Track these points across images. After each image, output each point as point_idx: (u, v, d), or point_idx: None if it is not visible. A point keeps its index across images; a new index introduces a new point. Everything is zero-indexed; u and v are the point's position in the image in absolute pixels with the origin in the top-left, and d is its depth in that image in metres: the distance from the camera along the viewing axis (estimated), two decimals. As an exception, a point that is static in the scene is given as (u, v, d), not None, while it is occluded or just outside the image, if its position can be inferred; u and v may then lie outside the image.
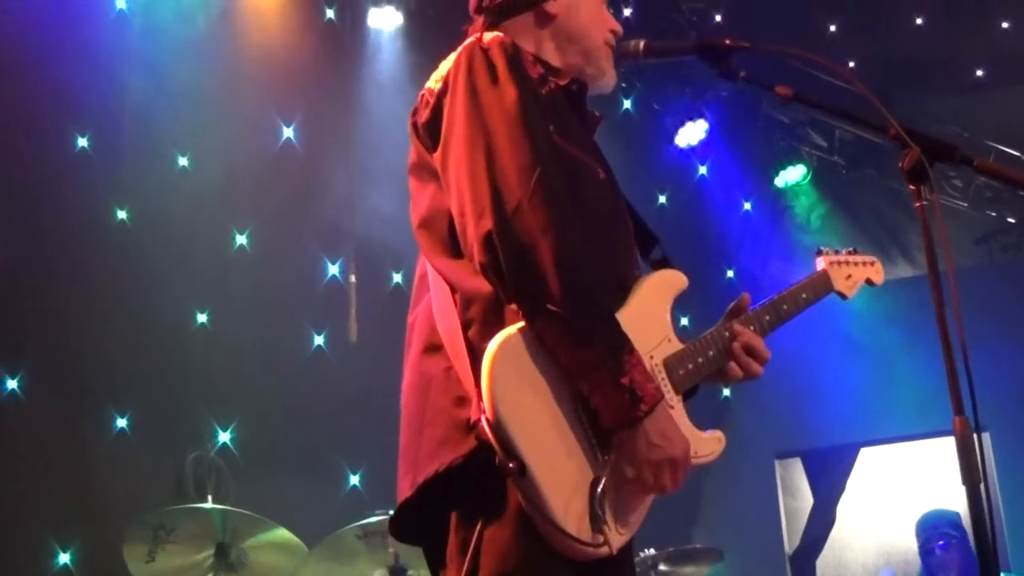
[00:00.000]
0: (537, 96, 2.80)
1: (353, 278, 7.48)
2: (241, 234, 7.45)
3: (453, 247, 2.70)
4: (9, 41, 6.55)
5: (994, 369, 7.02)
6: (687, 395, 2.87)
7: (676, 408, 2.76)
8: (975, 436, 2.43)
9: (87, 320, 6.61)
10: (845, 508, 9.76)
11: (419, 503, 2.62)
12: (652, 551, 6.34)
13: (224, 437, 7.04)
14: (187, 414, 6.95)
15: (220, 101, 7.35)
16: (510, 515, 2.50)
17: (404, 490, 2.65)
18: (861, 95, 2.74)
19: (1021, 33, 9.28)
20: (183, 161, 7.28)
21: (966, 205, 10.11)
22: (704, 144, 9.70)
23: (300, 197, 7.71)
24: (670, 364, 2.81)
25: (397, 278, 7.85)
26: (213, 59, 7.41)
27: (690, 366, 2.86)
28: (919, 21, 9.27)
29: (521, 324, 2.53)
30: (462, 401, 2.56)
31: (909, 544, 7.60)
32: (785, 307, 3.19)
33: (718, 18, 9.12)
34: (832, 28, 9.30)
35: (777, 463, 9.62)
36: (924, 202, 2.62)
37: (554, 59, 3.04)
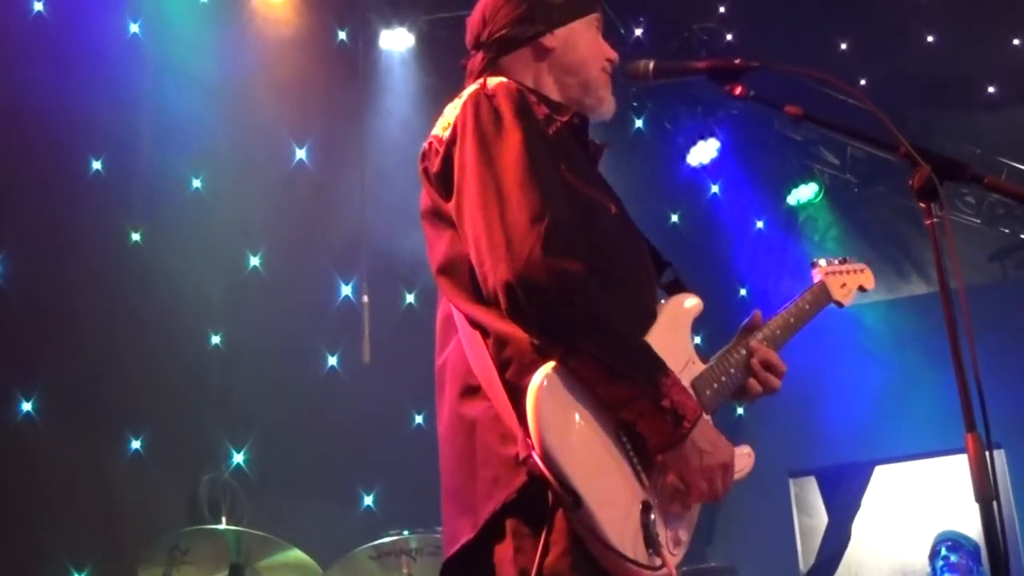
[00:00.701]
0: (545, 137, 2.82)
1: (366, 298, 7.49)
2: (254, 255, 7.47)
3: (477, 291, 2.72)
4: (24, 66, 6.59)
5: (1007, 386, 7.01)
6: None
7: None
8: (988, 453, 2.43)
9: (101, 342, 6.62)
10: (860, 526, 9.72)
11: (478, 544, 2.64)
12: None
13: (238, 458, 7.04)
14: (201, 435, 6.96)
15: (233, 123, 7.38)
16: (567, 547, 2.51)
17: (464, 532, 2.67)
18: (872, 114, 2.75)
19: (1033, 50, 9.29)
20: (197, 183, 7.30)
21: (979, 222, 10.09)
22: (716, 163, 9.71)
23: (313, 218, 7.73)
24: (697, 386, 2.86)
25: (410, 298, 7.87)
26: (226, 81, 7.44)
27: (715, 385, 2.93)
28: (931, 39, 9.28)
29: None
30: (506, 439, 2.59)
31: (924, 563, 7.58)
32: (792, 320, 3.29)
33: (729, 38, 9.14)
34: (843, 46, 9.30)
35: (791, 481, 9.59)
36: (935, 220, 2.63)
37: (553, 92, 3.06)
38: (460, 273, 2.79)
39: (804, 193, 10.10)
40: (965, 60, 9.38)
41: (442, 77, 7.65)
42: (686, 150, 9.67)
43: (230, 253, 7.40)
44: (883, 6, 9.22)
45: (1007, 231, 10.25)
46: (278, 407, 7.16)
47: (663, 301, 2.99)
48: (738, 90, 2.99)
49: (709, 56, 7.66)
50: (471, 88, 2.89)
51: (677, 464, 2.62)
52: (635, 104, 9.46)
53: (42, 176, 6.60)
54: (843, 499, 9.74)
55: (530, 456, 2.49)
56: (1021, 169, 9.53)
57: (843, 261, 3.62)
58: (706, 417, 2.72)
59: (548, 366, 2.55)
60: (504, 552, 2.61)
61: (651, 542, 2.54)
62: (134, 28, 7.20)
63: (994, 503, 2.40)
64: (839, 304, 3.55)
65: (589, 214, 2.81)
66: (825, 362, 8.75)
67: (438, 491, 2.81)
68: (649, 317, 2.87)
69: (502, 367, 2.64)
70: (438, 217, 2.88)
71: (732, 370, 3.00)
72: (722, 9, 9.14)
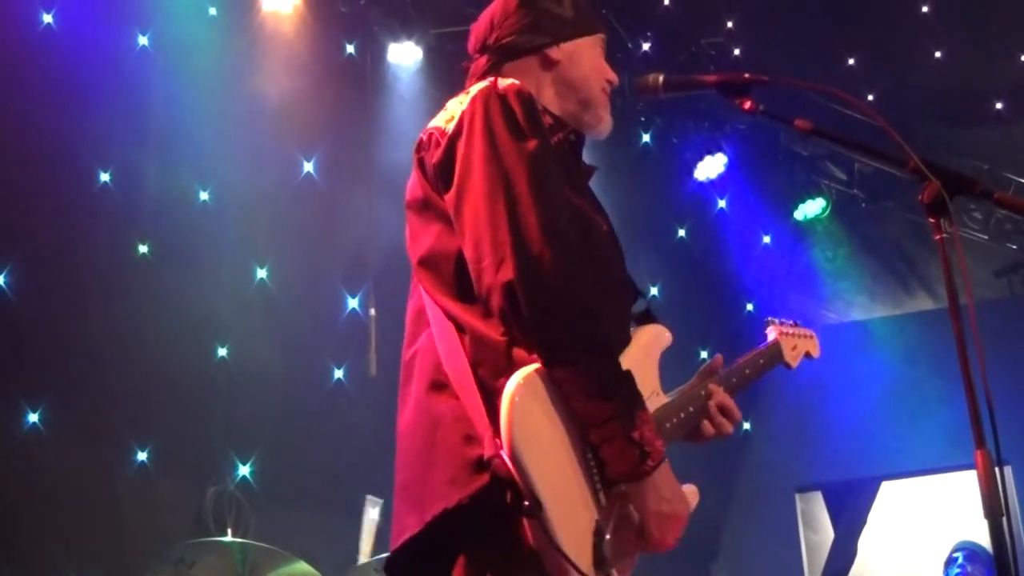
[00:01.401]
0: (551, 147, 2.82)
1: (373, 312, 7.49)
2: (261, 268, 7.48)
3: (459, 287, 2.72)
4: (33, 78, 6.61)
5: (1016, 402, 6.98)
6: None
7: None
8: (997, 470, 2.43)
9: (108, 353, 6.63)
10: (866, 542, 9.71)
11: (423, 543, 2.62)
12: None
13: (244, 470, 7.04)
14: (207, 447, 6.96)
15: (241, 136, 7.39)
16: (519, 555, 2.50)
17: (410, 527, 2.65)
18: (880, 128, 2.75)
19: (1041, 66, 9.30)
20: (204, 196, 7.31)
21: (986, 238, 10.10)
22: (723, 178, 9.71)
23: (320, 231, 7.74)
24: (658, 418, 2.83)
25: (417, 312, 7.86)
26: (234, 94, 7.46)
27: (675, 420, 2.92)
28: (939, 54, 9.29)
29: (538, 365, 2.55)
30: (471, 440, 2.57)
31: (931, 580, 7.57)
32: (748, 372, 3.30)
33: (736, 52, 9.15)
34: (851, 61, 9.31)
35: (798, 496, 9.57)
36: (944, 235, 2.63)
37: (553, 105, 3.06)
38: (444, 268, 2.78)
39: (811, 208, 10.10)
40: (973, 76, 9.39)
41: (450, 90, 7.63)
42: (693, 165, 9.67)
43: (237, 266, 7.40)
44: (891, 21, 9.22)
45: (1014, 247, 10.26)
46: (284, 420, 7.16)
47: (634, 329, 2.96)
48: (747, 104, 2.99)
49: (717, 71, 7.66)
50: (480, 85, 2.88)
51: (633, 498, 2.58)
52: (642, 119, 9.47)
53: (50, 188, 6.61)
54: (849, 515, 9.73)
55: (497, 455, 2.47)
56: (1028, 185, 9.55)
57: (795, 324, 3.65)
58: (667, 466, 2.65)
59: (528, 368, 2.54)
60: (452, 554, 2.60)
61: (601, 562, 2.51)
62: (143, 41, 7.21)
63: (1003, 519, 2.40)
64: (788, 366, 3.56)
65: (585, 230, 2.81)
66: (831, 377, 8.73)
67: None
68: (626, 341, 2.87)
69: (476, 365, 2.62)
70: (427, 208, 2.87)
71: (691, 408, 2.98)
72: (730, 24, 9.15)
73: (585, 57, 3.11)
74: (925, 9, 9.12)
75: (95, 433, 6.56)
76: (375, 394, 7.36)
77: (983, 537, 8.06)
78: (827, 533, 9.73)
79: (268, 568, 5.52)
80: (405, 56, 8.22)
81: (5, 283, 6.37)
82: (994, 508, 2.41)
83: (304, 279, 7.61)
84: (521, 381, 2.53)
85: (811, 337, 3.67)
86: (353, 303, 7.75)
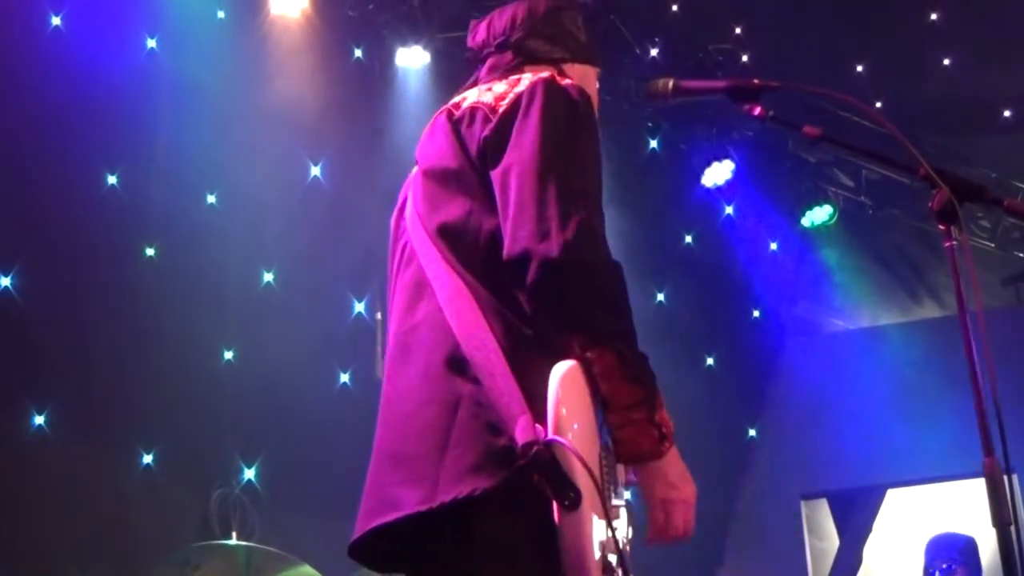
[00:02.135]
0: (599, 150, 2.86)
1: (379, 315, 7.48)
2: (268, 272, 7.48)
3: (488, 269, 2.70)
4: (41, 80, 6.62)
5: (1020, 411, 6.97)
6: None
7: None
8: (1006, 478, 2.42)
9: (114, 356, 6.63)
10: (872, 550, 9.69)
11: (419, 522, 2.57)
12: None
13: (249, 474, 7.04)
14: (213, 451, 6.96)
15: (248, 139, 7.39)
16: (542, 547, 2.46)
17: (408, 502, 2.59)
18: (890, 135, 2.75)
19: (1050, 74, 9.29)
20: (211, 199, 7.31)
21: (994, 246, 10.08)
22: (730, 184, 9.70)
23: (327, 235, 7.73)
24: None
25: (423, 316, 7.84)
26: (242, 97, 7.46)
27: None
28: (947, 62, 9.28)
29: (575, 358, 2.55)
30: (495, 429, 2.53)
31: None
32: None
33: (745, 58, 9.15)
34: (859, 68, 9.31)
35: (803, 503, 9.56)
36: (954, 242, 2.62)
37: None
38: (472, 243, 2.75)
39: (818, 215, 10.08)
40: (981, 83, 9.38)
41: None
42: (701, 171, 9.65)
43: (244, 269, 7.40)
44: (899, 29, 9.22)
45: (1022, 255, 10.24)
46: (290, 423, 7.15)
47: None
48: (756, 110, 2.99)
49: (725, 77, 7.67)
50: (540, 74, 2.88)
51: (645, 485, 2.60)
52: (650, 125, 9.46)
53: (57, 190, 6.61)
54: (855, 522, 9.72)
55: (537, 442, 2.44)
56: (1037, 193, 9.54)
57: None
58: (676, 449, 2.65)
59: (571, 360, 2.54)
60: (461, 540, 2.56)
61: (607, 569, 2.49)
62: (151, 44, 7.22)
63: (1011, 528, 2.39)
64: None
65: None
66: (837, 385, 8.73)
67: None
68: None
69: (510, 349, 2.60)
70: (458, 180, 2.83)
71: None
72: (738, 30, 9.15)
73: (589, 83, 3.13)
74: (934, 16, 9.11)
75: (101, 436, 6.57)
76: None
77: (988, 546, 8.04)
78: (832, 540, 9.72)
79: (273, 571, 5.53)
80: (413, 60, 8.22)
81: (12, 285, 6.37)
82: (1002, 517, 2.40)
83: (311, 283, 7.61)
84: (566, 372, 2.52)
85: None
86: (359, 307, 7.75)
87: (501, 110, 2.80)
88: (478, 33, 3.25)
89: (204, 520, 6.78)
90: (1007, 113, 9.57)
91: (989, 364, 2.48)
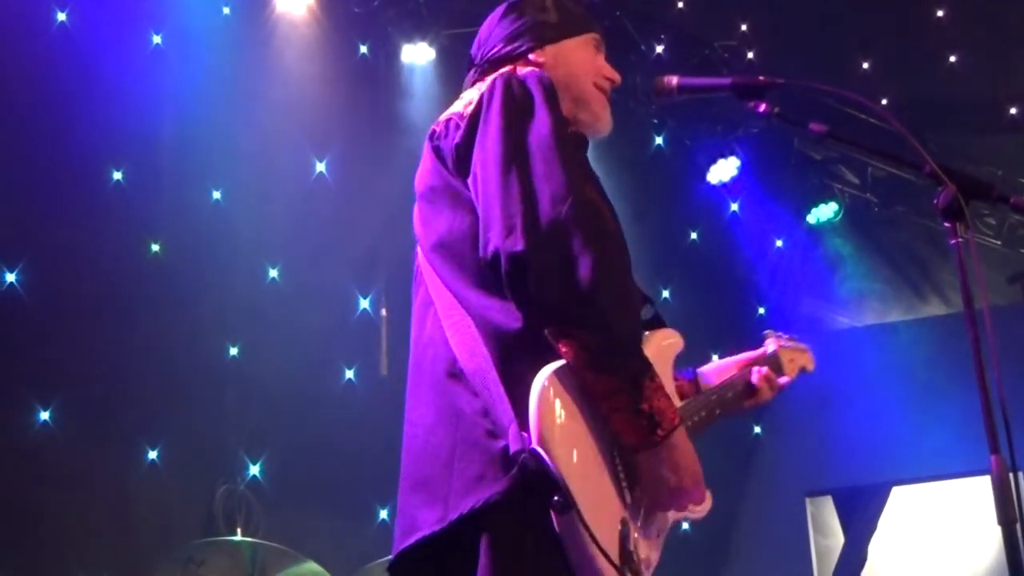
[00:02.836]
0: (566, 128, 2.84)
1: (384, 312, 7.49)
2: (273, 268, 7.48)
3: (476, 276, 2.71)
4: (46, 76, 6.62)
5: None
6: None
7: None
8: (1011, 475, 2.42)
9: (120, 352, 6.63)
10: (877, 548, 9.67)
11: (440, 540, 2.60)
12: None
13: (254, 470, 7.04)
14: (218, 447, 6.96)
15: (254, 135, 7.39)
16: (548, 551, 2.49)
17: (427, 524, 2.62)
18: (896, 132, 2.74)
19: (1056, 72, 9.27)
20: (217, 195, 7.32)
21: (1000, 243, 10.06)
22: (736, 181, 9.69)
23: (332, 231, 7.73)
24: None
25: (428, 313, 7.84)
26: (247, 94, 7.46)
27: (695, 418, 2.96)
28: (953, 59, 9.26)
29: (563, 361, 2.55)
30: (494, 435, 2.56)
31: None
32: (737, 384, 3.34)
33: (750, 55, 9.13)
34: (865, 66, 9.29)
35: (808, 501, 9.55)
36: (959, 240, 2.62)
37: None
38: (460, 251, 2.77)
39: (824, 212, 10.08)
40: (987, 81, 9.36)
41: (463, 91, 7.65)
42: (706, 168, 9.65)
43: (249, 265, 7.40)
44: (905, 26, 9.21)
45: (1028, 253, 10.23)
46: (295, 420, 7.16)
47: (646, 334, 2.96)
48: (762, 107, 2.99)
49: (731, 74, 7.65)
50: (498, 72, 2.92)
51: (644, 470, 2.59)
52: (655, 121, 9.46)
53: (62, 186, 6.62)
54: (860, 520, 9.69)
55: (524, 450, 2.46)
56: (1042, 191, 9.51)
57: (792, 339, 3.64)
58: (683, 433, 2.65)
59: (557, 362, 2.55)
60: (479, 555, 2.55)
61: (627, 557, 2.51)
62: (157, 40, 7.22)
63: (1017, 526, 2.39)
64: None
65: (597, 215, 2.79)
66: (843, 381, 8.71)
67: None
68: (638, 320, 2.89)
69: (499, 358, 2.61)
70: (443, 194, 2.87)
71: (716, 410, 3.07)
72: (744, 27, 9.14)
73: (572, 56, 3.12)
74: (940, 14, 9.09)
75: (106, 432, 6.57)
76: (386, 394, 7.35)
77: (993, 544, 8.05)
78: (837, 538, 9.70)
79: (278, 568, 5.53)
80: (418, 57, 8.22)
81: (17, 281, 6.38)
82: (1008, 514, 2.40)
83: (316, 279, 7.60)
84: (549, 376, 2.53)
85: (806, 351, 3.66)
86: (365, 303, 7.75)
87: (467, 114, 2.85)
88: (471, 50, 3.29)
89: (209, 516, 6.78)
90: (1013, 111, 9.55)
91: (995, 362, 2.48)
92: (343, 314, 7.73)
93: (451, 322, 2.72)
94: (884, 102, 8.92)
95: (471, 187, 2.75)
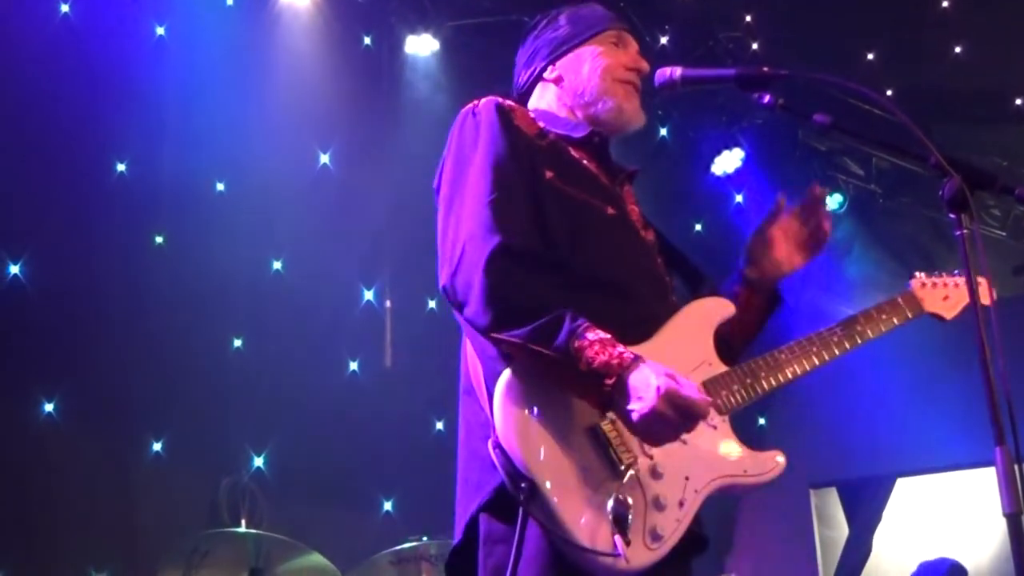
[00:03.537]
0: (531, 147, 2.94)
1: (388, 304, 7.49)
2: (277, 260, 7.48)
3: None
4: (50, 68, 6.62)
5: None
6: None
7: (720, 428, 2.87)
8: (1017, 467, 2.41)
9: (124, 344, 6.64)
10: (881, 539, 9.68)
11: (464, 549, 2.76)
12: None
13: (258, 462, 7.05)
14: (222, 439, 6.96)
15: (257, 127, 7.38)
16: (538, 547, 2.60)
17: (456, 533, 2.81)
18: (900, 123, 2.73)
19: (1061, 62, 9.24)
20: (220, 187, 7.32)
21: (1004, 234, 10.04)
22: (740, 172, 9.68)
23: (336, 223, 7.73)
24: (708, 386, 2.87)
25: (432, 304, 7.85)
26: (250, 85, 7.45)
27: (736, 387, 2.95)
28: (958, 50, 9.23)
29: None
30: (485, 442, 2.68)
31: (946, 576, 7.53)
32: (859, 327, 3.39)
33: (755, 47, 9.11)
34: (870, 56, 9.26)
35: (812, 493, 9.56)
36: (964, 231, 2.61)
37: (576, 114, 3.19)
38: None
39: (828, 204, 10.06)
40: (992, 72, 9.33)
41: (466, 82, 7.65)
42: (710, 159, 9.65)
43: (253, 257, 7.40)
44: (910, 17, 9.18)
45: (1032, 244, 10.20)
46: (299, 411, 7.16)
47: (687, 303, 3.06)
48: (766, 99, 2.99)
49: (735, 65, 7.64)
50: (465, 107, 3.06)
51: (626, 419, 2.60)
52: (660, 113, 9.43)
53: (66, 178, 6.61)
54: (864, 511, 9.70)
55: (496, 446, 2.60)
56: (1047, 182, 9.47)
57: (942, 274, 3.50)
58: (712, 425, 2.76)
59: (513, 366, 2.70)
60: (480, 555, 2.71)
61: (624, 532, 2.54)
62: (160, 31, 7.22)
63: (1022, 517, 2.38)
64: (940, 318, 3.47)
65: (575, 215, 2.89)
66: (847, 373, 8.70)
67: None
68: (647, 316, 2.92)
69: (489, 372, 2.75)
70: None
71: (760, 386, 3.04)
72: (748, 18, 9.11)
73: (585, 61, 3.21)
74: (945, 4, 9.07)
75: (110, 424, 6.58)
76: (390, 386, 7.37)
77: (998, 536, 8.05)
78: (842, 529, 9.71)
79: (282, 559, 5.54)
80: (422, 48, 8.20)
81: (21, 273, 6.38)
82: (1013, 506, 2.39)
83: (320, 271, 7.60)
84: (506, 375, 2.67)
85: (961, 286, 3.46)
86: (369, 295, 7.75)
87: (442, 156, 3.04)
88: None
89: (213, 508, 6.79)
90: (1018, 101, 9.52)
91: (1000, 353, 2.47)
92: (347, 306, 7.73)
93: (466, 343, 2.91)
94: (889, 93, 8.90)
95: None
